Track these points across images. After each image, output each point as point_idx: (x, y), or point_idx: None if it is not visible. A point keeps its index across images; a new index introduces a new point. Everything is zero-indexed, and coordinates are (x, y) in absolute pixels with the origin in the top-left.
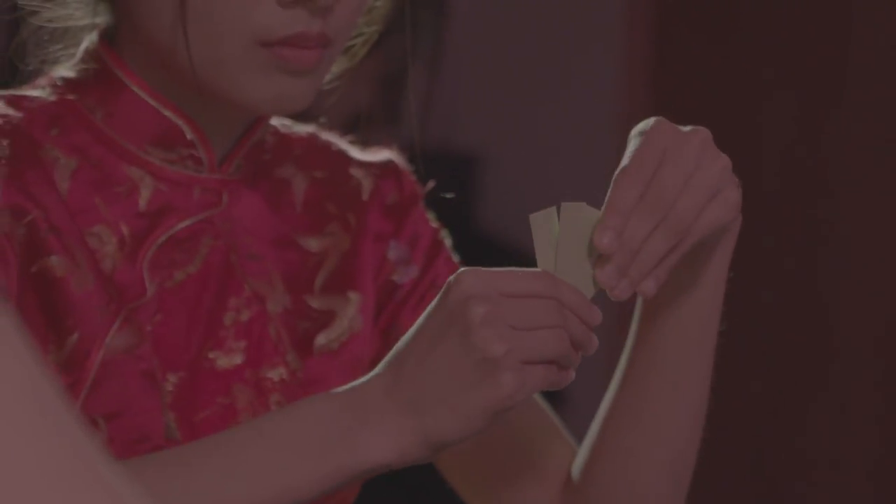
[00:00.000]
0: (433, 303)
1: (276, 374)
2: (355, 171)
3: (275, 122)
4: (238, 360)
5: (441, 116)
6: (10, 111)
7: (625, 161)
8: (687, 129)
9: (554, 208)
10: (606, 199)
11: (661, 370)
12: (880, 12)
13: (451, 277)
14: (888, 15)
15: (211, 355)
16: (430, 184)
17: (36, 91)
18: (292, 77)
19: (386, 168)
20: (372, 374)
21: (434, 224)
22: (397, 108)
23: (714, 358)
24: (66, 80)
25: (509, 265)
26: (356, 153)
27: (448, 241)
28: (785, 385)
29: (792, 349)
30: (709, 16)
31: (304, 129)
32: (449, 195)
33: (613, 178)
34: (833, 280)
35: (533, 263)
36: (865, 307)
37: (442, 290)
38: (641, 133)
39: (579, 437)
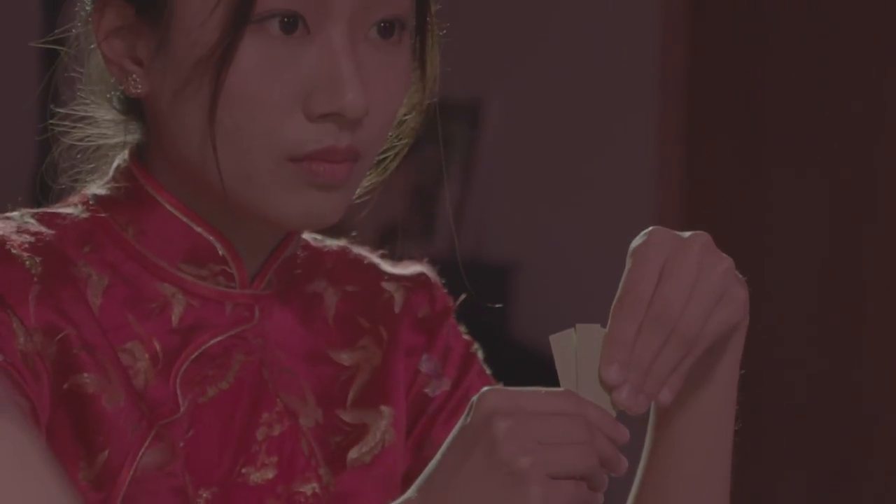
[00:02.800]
0: (459, 423)
1: (308, 488)
2: (387, 285)
3: (306, 236)
4: (270, 475)
5: (474, 227)
6: (43, 228)
7: (622, 285)
8: (687, 234)
9: (572, 329)
10: (607, 330)
11: (680, 473)
12: None
13: (475, 397)
14: None
15: (244, 471)
16: (462, 297)
17: (68, 209)
18: (322, 192)
19: (417, 281)
20: (403, 496)
21: (466, 337)
22: (429, 221)
23: (732, 458)
24: (98, 198)
25: (543, 374)
26: (388, 267)
27: (480, 354)
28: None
29: (832, 458)
30: (738, 122)
31: (335, 243)
32: (490, 304)
33: (612, 308)
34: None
35: None
36: None
37: (467, 409)
38: (636, 249)
39: None
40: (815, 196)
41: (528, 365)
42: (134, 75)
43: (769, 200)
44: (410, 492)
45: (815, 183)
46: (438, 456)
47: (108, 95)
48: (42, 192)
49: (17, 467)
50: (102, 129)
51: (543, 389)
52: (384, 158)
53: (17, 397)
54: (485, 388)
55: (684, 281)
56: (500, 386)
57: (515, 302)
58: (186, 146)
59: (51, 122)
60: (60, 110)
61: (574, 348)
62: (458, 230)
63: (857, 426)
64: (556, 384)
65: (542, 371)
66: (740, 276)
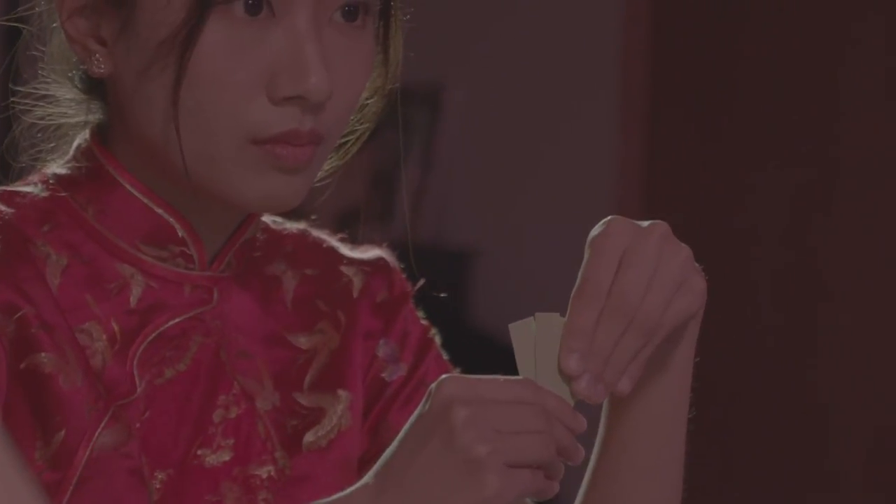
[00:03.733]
0: (417, 410)
1: (264, 471)
2: (346, 269)
3: (266, 218)
4: (226, 457)
5: (433, 212)
6: (2, 207)
7: (580, 275)
8: (645, 224)
9: (532, 318)
10: (566, 320)
11: (634, 459)
12: (868, 105)
13: (434, 385)
14: (876, 107)
15: (199, 452)
16: (421, 282)
17: (28, 187)
18: (285, 174)
19: (376, 266)
20: (360, 482)
21: (424, 322)
22: (389, 205)
23: (685, 446)
24: (59, 177)
25: (501, 361)
26: (347, 250)
27: (438, 339)
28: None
29: (783, 449)
30: (700, 110)
31: (294, 226)
32: (441, 293)
33: (571, 298)
34: (827, 383)
35: None
36: (858, 411)
37: (425, 396)
38: (595, 239)
39: None
40: (774, 188)
41: (485, 351)
42: (97, 55)
43: (729, 191)
44: (367, 477)
45: (775, 174)
46: (396, 442)
47: (69, 74)
48: (2, 170)
49: None
50: (63, 109)
51: (502, 378)
52: (345, 142)
53: None
54: (444, 376)
55: (643, 270)
56: (457, 372)
57: (474, 288)
58: (149, 127)
59: (12, 100)
60: (21, 88)
61: (533, 337)
62: (417, 215)
63: (810, 419)
64: (514, 371)
65: (499, 358)
66: (698, 265)
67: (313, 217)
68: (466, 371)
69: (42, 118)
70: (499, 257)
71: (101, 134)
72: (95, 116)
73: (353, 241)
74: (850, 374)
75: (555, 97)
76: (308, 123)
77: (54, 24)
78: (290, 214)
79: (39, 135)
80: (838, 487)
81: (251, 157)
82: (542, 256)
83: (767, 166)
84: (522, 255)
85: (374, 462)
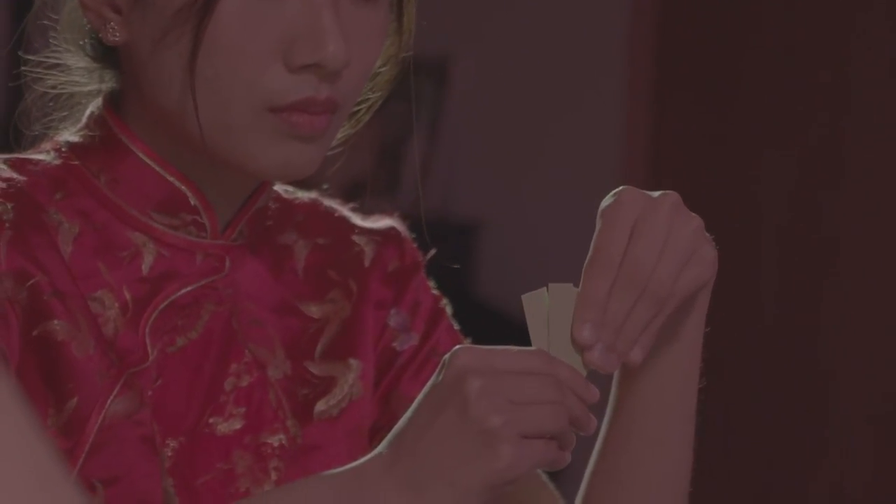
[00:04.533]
0: (430, 380)
1: (275, 439)
2: (357, 238)
3: (277, 187)
4: (238, 425)
5: (440, 184)
6: (15, 175)
7: (593, 245)
8: (656, 194)
9: (545, 289)
10: (579, 290)
11: (644, 429)
12: (876, 81)
13: (447, 355)
14: (884, 84)
15: (211, 421)
16: (432, 252)
17: (40, 155)
18: (301, 143)
19: (388, 235)
20: (373, 452)
21: (435, 292)
22: (396, 176)
23: (696, 416)
24: (71, 145)
25: (507, 333)
26: (358, 220)
27: (449, 309)
28: (785, 455)
29: (789, 422)
30: (709, 86)
31: (306, 195)
32: (453, 265)
33: (583, 269)
34: (832, 351)
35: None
36: (863, 377)
37: (439, 367)
38: (607, 209)
39: (570, 502)
40: (781, 160)
41: (490, 323)
42: (112, 23)
43: (735, 163)
44: (380, 447)
45: (781, 147)
46: (409, 413)
47: (80, 43)
48: (15, 138)
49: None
50: (75, 77)
51: (515, 348)
52: (357, 111)
53: (4, 337)
54: (457, 347)
55: (655, 240)
56: (468, 342)
57: (480, 260)
58: (165, 95)
59: (23, 69)
60: (32, 57)
61: (546, 308)
62: (424, 188)
63: (814, 382)
64: (519, 342)
65: (505, 329)
66: (709, 235)
67: (325, 186)
68: (472, 343)
69: (54, 87)
70: (504, 230)
71: (113, 102)
72: (108, 85)
73: (364, 211)
74: (854, 345)
75: (562, 69)
76: (324, 91)
77: None
78: (302, 184)
79: (51, 104)
80: (842, 455)
81: (267, 126)
82: (548, 229)
83: (774, 146)
84: (528, 228)
85: (385, 431)
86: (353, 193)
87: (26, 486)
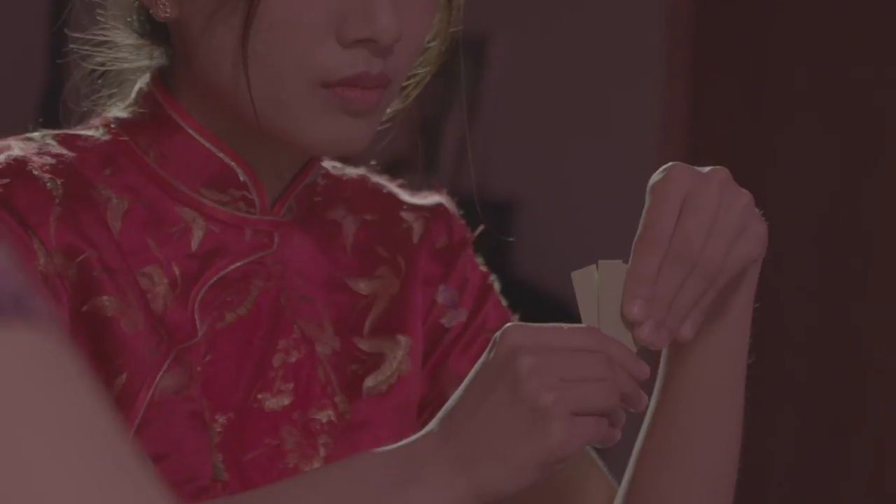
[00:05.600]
0: (482, 358)
1: (324, 415)
2: (406, 215)
3: (326, 164)
4: (286, 401)
5: (478, 162)
6: (64, 150)
7: (642, 221)
8: (706, 170)
9: (594, 266)
10: (629, 267)
11: (692, 406)
12: None
13: (498, 333)
14: None
15: (260, 396)
16: (480, 228)
17: (89, 131)
18: (353, 118)
19: (436, 211)
20: (424, 430)
21: (483, 268)
22: (433, 156)
23: (745, 392)
24: (120, 121)
25: (547, 312)
26: (406, 196)
27: (497, 286)
28: (823, 421)
29: (830, 387)
30: (747, 66)
31: (354, 171)
32: (503, 239)
33: (633, 245)
34: (872, 318)
35: (570, 310)
36: None
37: (489, 345)
38: (656, 185)
39: (618, 479)
40: (821, 140)
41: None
42: None
43: (774, 143)
44: (432, 424)
45: (821, 127)
46: (460, 390)
47: (128, 19)
48: (64, 115)
49: (60, 380)
50: (123, 54)
51: (566, 325)
52: (406, 86)
53: (56, 312)
54: (508, 324)
55: (705, 216)
56: (516, 319)
57: (518, 239)
58: (216, 71)
59: (71, 46)
60: (78, 35)
61: (596, 284)
62: (464, 166)
63: (855, 367)
64: (556, 320)
65: (543, 307)
66: (758, 211)
67: (373, 163)
68: (517, 320)
69: (102, 64)
70: (543, 208)
71: (162, 78)
72: (157, 61)
73: (412, 187)
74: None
75: (600, 48)
76: (377, 66)
77: None
78: (349, 160)
79: (100, 81)
80: (882, 450)
81: (320, 101)
82: (585, 207)
83: (811, 122)
84: (566, 206)
85: (433, 407)
86: (392, 171)
87: (94, 456)
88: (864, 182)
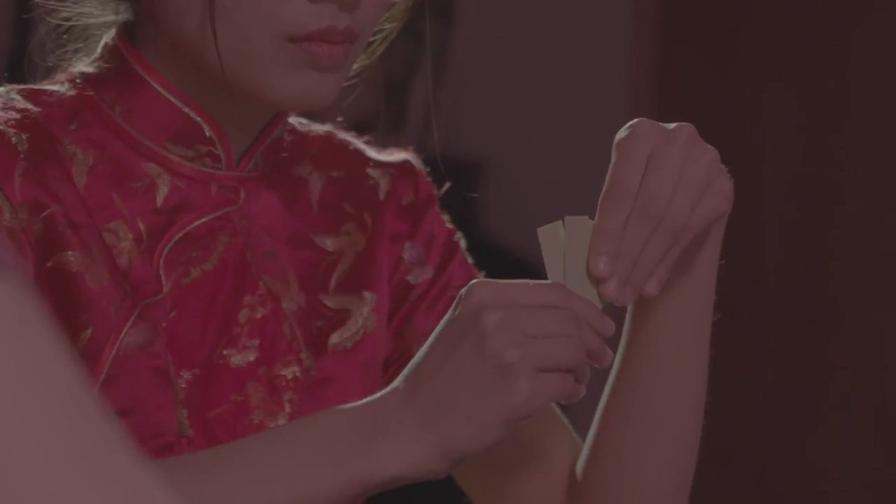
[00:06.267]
0: (447, 315)
1: (289, 372)
2: (372, 171)
3: (292, 120)
4: (252, 357)
5: (445, 123)
6: (30, 105)
7: (608, 178)
8: (671, 126)
9: (560, 222)
10: (595, 223)
11: (658, 363)
12: (881, 21)
13: (463, 290)
14: (889, 23)
15: (225, 352)
16: (447, 185)
17: (55, 86)
18: (319, 72)
19: (402, 168)
20: (390, 386)
21: (449, 225)
22: (400, 116)
23: (710, 349)
24: (85, 76)
25: (513, 271)
26: (373, 153)
27: (463, 243)
28: (789, 394)
29: (797, 358)
30: (714, 23)
31: (320, 127)
32: (468, 195)
33: (599, 201)
34: (840, 290)
35: (537, 269)
36: (871, 316)
37: (455, 301)
38: (622, 141)
39: (582, 436)
40: (787, 105)
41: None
42: None
43: (742, 103)
44: (397, 381)
45: (786, 92)
46: (426, 347)
47: None
48: (29, 70)
49: (25, 331)
50: (89, 9)
51: (531, 282)
52: (372, 42)
53: (22, 263)
54: (473, 281)
55: (670, 172)
56: (482, 277)
57: (486, 198)
58: (183, 25)
59: (37, 0)
60: None
61: (561, 240)
62: (428, 126)
63: (822, 327)
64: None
65: (510, 266)
66: (724, 167)
67: (339, 119)
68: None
69: (67, 19)
70: (510, 168)
71: (128, 33)
72: (123, 16)
73: (378, 145)
74: (860, 278)
75: (568, 8)
76: (343, 21)
77: None
78: (315, 116)
79: (65, 36)
80: (848, 403)
81: (286, 55)
82: (553, 167)
83: (779, 86)
84: (534, 166)
85: (399, 364)
86: (359, 131)
87: (59, 409)
88: (829, 133)
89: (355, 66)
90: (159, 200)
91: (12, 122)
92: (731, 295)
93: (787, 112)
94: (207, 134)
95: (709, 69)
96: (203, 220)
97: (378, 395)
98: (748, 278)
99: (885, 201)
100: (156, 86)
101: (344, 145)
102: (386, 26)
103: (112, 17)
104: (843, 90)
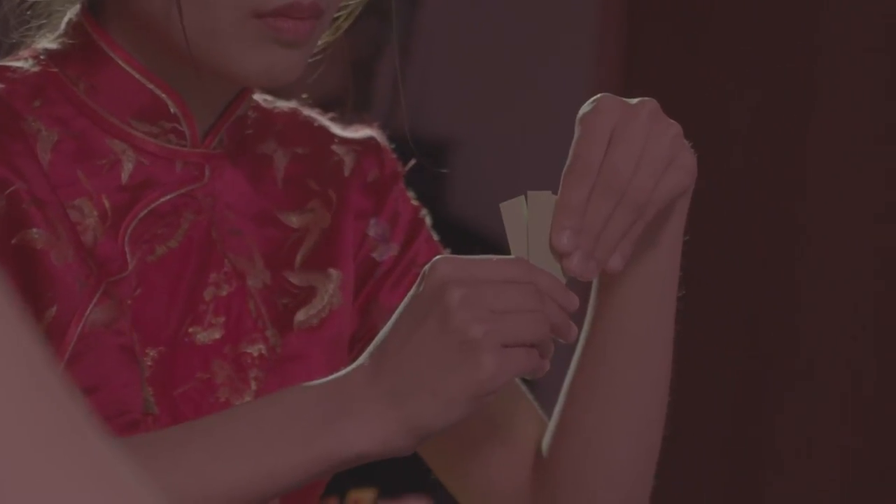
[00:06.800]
0: (411, 291)
1: (255, 349)
2: (337, 148)
3: (256, 97)
4: (217, 335)
5: (412, 102)
6: None
7: (571, 153)
8: (634, 101)
9: (522, 197)
10: (558, 198)
11: (623, 338)
12: (847, 13)
13: (427, 266)
14: (855, 15)
15: (191, 330)
16: (412, 162)
17: (18, 63)
18: (285, 48)
19: (367, 145)
20: (355, 363)
21: (415, 202)
22: (366, 95)
23: (676, 326)
24: (49, 52)
25: (479, 251)
26: (337, 130)
27: (428, 220)
28: (757, 373)
29: (765, 341)
30: (681, 3)
31: (285, 104)
32: (437, 170)
33: (562, 176)
34: (806, 272)
35: (503, 248)
36: (837, 300)
37: (419, 278)
38: (585, 116)
39: (548, 414)
40: (752, 82)
41: (462, 240)
42: None
43: (706, 80)
44: (362, 358)
45: (751, 69)
46: (390, 324)
47: None
48: None
49: None
50: None
51: (495, 257)
52: (336, 17)
53: None
54: (437, 257)
55: (633, 146)
56: (448, 254)
57: (452, 177)
58: (149, 1)
59: None
60: None
61: (524, 216)
62: (398, 104)
63: (789, 302)
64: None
65: (476, 248)
66: (687, 142)
67: (304, 96)
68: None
69: None
70: (476, 147)
71: (92, 9)
72: None
73: (343, 122)
74: (825, 261)
75: None
76: None
77: None
78: (280, 93)
79: (28, 12)
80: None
81: (252, 31)
82: (521, 147)
83: (744, 64)
84: (500, 145)
85: (365, 342)
86: (325, 108)
87: (15, 376)
88: (794, 112)
89: (320, 42)
90: (124, 177)
91: None
92: (695, 271)
93: (751, 89)
94: (172, 111)
95: (675, 48)
96: (168, 196)
97: (343, 372)
98: (713, 254)
99: (850, 171)
100: (120, 62)
101: (308, 122)
102: (350, 1)
103: None
104: (809, 64)
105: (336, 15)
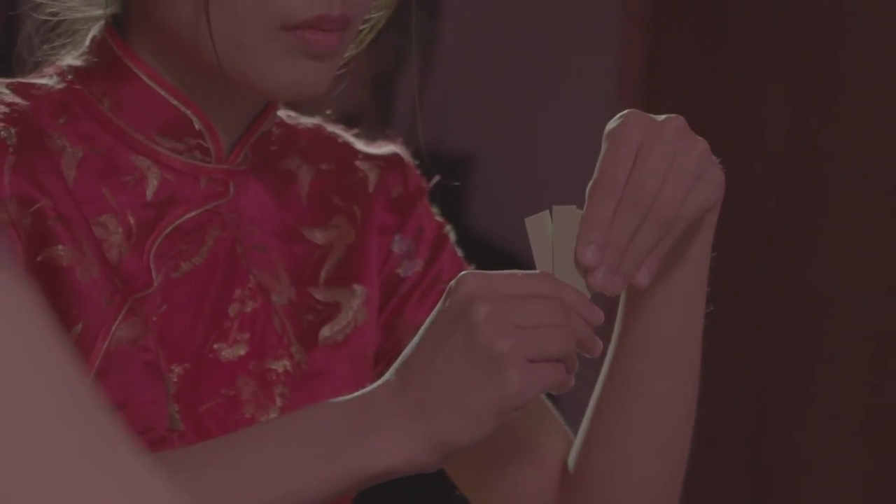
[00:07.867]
0: (437, 307)
1: (280, 365)
2: (361, 164)
3: (280, 113)
4: (242, 351)
5: (433, 117)
6: (18, 99)
7: (597, 167)
8: (661, 118)
9: (547, 212)
10: (583, 212)
11: (650, 353)
12: (872, 13)
13: (453, 282)
14: (881, 15)
15: (216, 346)
16: (435, 178)
17: (43, 79)
18: (313, 61)
19: (391, 161)
20: (381, 379)
21: (439, 218)
22: (387, 110)
23: (702, 340)
24: (74, 69)
25: (501, 265)
26: (362, 146)
27: (452, 236)
28: (778, 385)
29: (784, 350)
30: (703, 16)
31: (309, 120)
32: (453, 183)
33: (588, 190)
34: (826, 281)
35: (525, 263)
36: (858, 307)
37: (444, 294)
38: (612, 132)
39: (574, 430)
40: (776, 97)
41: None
42: None
43: (730, 103)
44: (388, 374)
45: (775, 85)
46: (416, 339)
47: None
48: (18, 64)
49: (20, 321)
50: (74, 3)
51: (520, 272)
52: (360, 31)
53: (14, 253)
54: (462, 273)
55: (660, 162)
56: (473, 269)
57: (475, 192)
58: (176, 16)
59: None
60: None
61: (549, 230)
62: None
63: (808, 314)
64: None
65: (498, 262)
66: (715, 158)
67: (328, 112)
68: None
69: (54, 14)
70: (499, 161)
71: (116, 26)
72: (111, 9)
73: (367, 137)
74: (847, 270)
75: (556, 1)
76: (337, 8)
77: None
78: (304, 109)
79: (52, 30)
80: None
81: (281, 44)
82: (541, 161)
83: (769, 79)
84: (522, 160)
85: (389, 358)
86: (348, 124)
87: (55, 397)
88: (819, 127)
89: (345, 55)
90: (149, 194)
91: (1, 115)
92: (721, 287)
93: (776, 105)
94: (197, 127)
95: (697, 63)
96: (193, 213)
97: (369, 388)
98: (737, 270)
99: (873, 193)
100: (145, 78)
101: (332, 138)
102: (373, 15)
103: (99, 11)
104: (832, 83)
105: (359, 28)
